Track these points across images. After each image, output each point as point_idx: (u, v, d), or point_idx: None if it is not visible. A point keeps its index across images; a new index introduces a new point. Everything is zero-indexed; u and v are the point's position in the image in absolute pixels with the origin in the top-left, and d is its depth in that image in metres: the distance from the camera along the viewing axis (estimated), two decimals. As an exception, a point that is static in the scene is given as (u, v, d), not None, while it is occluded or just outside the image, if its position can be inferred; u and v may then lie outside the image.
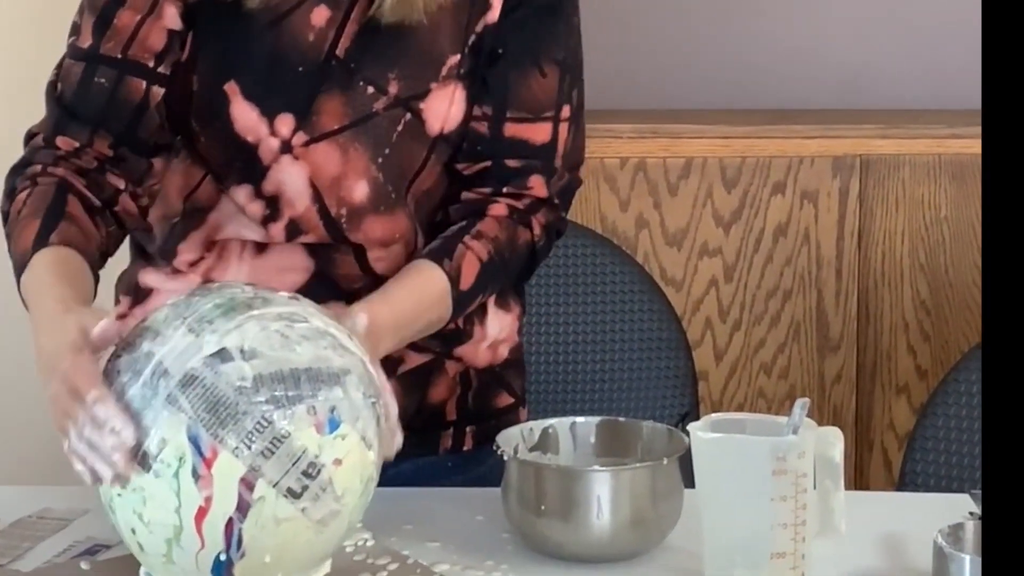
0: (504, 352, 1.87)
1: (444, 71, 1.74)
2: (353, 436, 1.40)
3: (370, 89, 1.72)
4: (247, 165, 1.74)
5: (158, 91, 1.73)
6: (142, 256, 1.83)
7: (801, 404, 1.46)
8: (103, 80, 1.72)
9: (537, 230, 1.78)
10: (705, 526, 1.49)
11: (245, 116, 1.72)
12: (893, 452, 3.05)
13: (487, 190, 1.78)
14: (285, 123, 1.72)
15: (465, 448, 1.84)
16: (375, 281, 1.75)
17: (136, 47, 1.72)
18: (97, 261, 1.67)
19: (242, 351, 1.38)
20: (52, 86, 1.76)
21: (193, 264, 1.78)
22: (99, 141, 1.73)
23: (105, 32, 1.72)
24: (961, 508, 1.63)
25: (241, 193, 1.75)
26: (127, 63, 1.72)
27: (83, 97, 1.73)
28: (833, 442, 1.50)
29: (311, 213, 1.74)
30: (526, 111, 1.77)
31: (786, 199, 3.05)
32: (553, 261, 2.28)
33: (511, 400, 1.89)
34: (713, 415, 1.51)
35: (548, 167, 1.78)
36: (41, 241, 1.62)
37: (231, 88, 1.72)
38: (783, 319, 3.07)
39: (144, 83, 1.72)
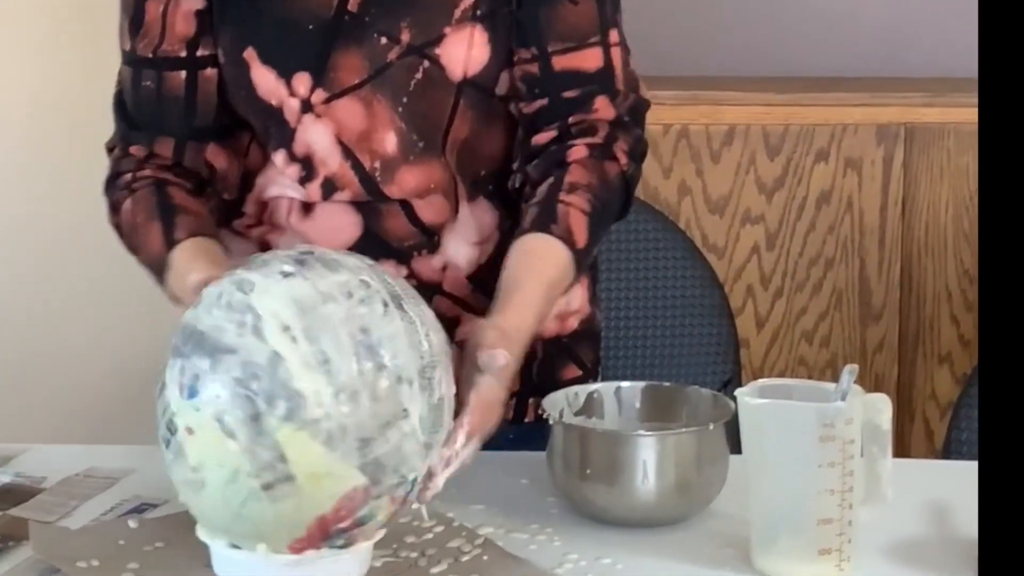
0: (574, 323, 1.86)
1: (458, 14, 1.72)
2: (207, 412, 1.35)
3: (383, 40, 1.72)
4: (278, 129, 1.75)
5: (209, 74, 1.75)
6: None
7: (849, 370, 1.46)
8: (148, 83, 1.75)
9: (623, 159, 1.73)
10: (751, 492, 1.49)
11: (264, 80, 1.73)
12: (935, 422, 3.04)
13: (555, 131, 1.74)
14: (302, 82, 1.73)
15: (527, 419, 1.83)
16: (426, 235, 1.76)
17: (166, 41, 1.74)
18: (215, 229, 1.72)
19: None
20: (117, 96, 1.80)
21: (250, 227, 1.81)
22: (160, 146, 1.76)
23: (138, 32, 1.75)
24: (1008, 477, 1.63)
25: (279, 157, 1.76)
26: (161, 60, 1.74)
27: (137, 103, 1.77)
28: (881, 409, 1.49)
29: (344, 169, 1.74)
30: (568, 40, 1.74)
31: (829, 167, 3.04)
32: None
33: (579, 372, 1.86)
34: (760, 381, 1.50)
35: (610, 88, 1.74)
36: (170, 241, 1.65)
37: (249, 55, 1.73)
38: (825, 287, 3.06)
39: (183, 74, 1.74)
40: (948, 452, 2.07)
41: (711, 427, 1.59)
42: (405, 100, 1.73)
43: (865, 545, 1.50)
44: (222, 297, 1.37)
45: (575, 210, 1.67)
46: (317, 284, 1.37)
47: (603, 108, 1.74)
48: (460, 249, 1.79)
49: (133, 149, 1.77)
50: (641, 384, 1.71)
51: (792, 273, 3.07)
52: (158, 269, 1.67)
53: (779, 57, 3.37)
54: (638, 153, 1.76)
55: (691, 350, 2.29)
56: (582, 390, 1.69)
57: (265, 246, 1.79)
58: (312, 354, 1.33)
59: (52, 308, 3.08)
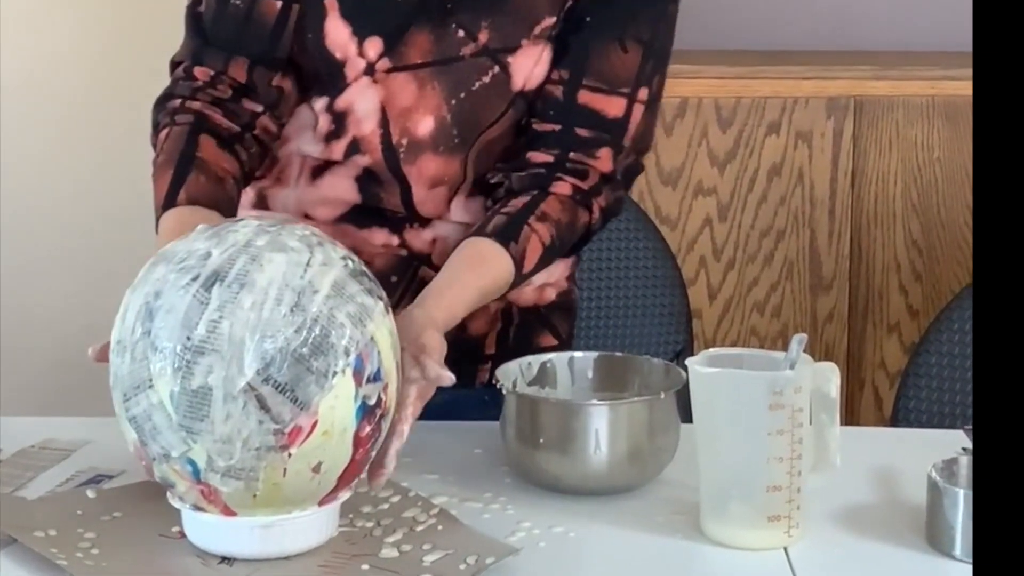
0: (551, 295, 1.90)
1: (537, 31, 1.77)
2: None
3: (460, 33, 1.75)
4: (331, 80, 1.78)
5: (297, 8, 1.77)
6: None
7: (798, 340, 1.48)
8: (239, 2, 1.77)
9: (596, 213, 1.79)
10: (701, 460, 1.51)
11: (338, 32, 1.76)
12: (884, 390, 3.07)
13: (552, 157, 1.78)
14: (374, 46, 1.76)
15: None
16: (416, 217, 1.80)
17: None
18: (234, 194, 1.73)
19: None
20: (191, 9, 1.80)
21: (257, 178, 1.84)
22: (234, 67, 1.78)
23: None
24: (954, 444, 1.65)
25: (318, 104, 1.79)
26: None
27: (219, 21, 1.78)
28: (829, 377, 1.51)
29: (374, 136, 1.78)
30: (602, 81, 1.77)
31: (780, 139, 3.06)
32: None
33: (555, 342, 1.90)
34: (710, 350, 1.52)
35: (617, 143, 1.79)
36: (170, 200, 1.68)
37: (331, 3, 1.76)
38: (776, 258, 3.09)
39: (279, 3, 1.76)
40: (896, 420, 2.09)
41: (662, 396, 1.60)
42: (463, 95, 1.77)
43: (814, 512, 1.52)
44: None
45: (536, 238, 1.73)
46: None
47: (604, 159, 1.78)
48: (448, 227, 1.83)
49: (199, 71, 1.78)
50: (594, 354, 1.73)
51: (744, 244, 3.09)
52: (156, 216, 1.70)
53: (731, 31, 3.38)
54: (612, 212, 1.81)
55: (644, 321, 2.30)
56: (535, 360, 1.71)
57: (263, 200, 1.84)
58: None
59: (6, 280, 3.07)
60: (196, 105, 1.76)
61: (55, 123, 3.18)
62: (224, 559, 1.43)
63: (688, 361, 1.50)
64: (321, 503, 1.44)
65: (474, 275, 1.69)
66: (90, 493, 1.56)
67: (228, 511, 1.41)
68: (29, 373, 3.13)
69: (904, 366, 2.18)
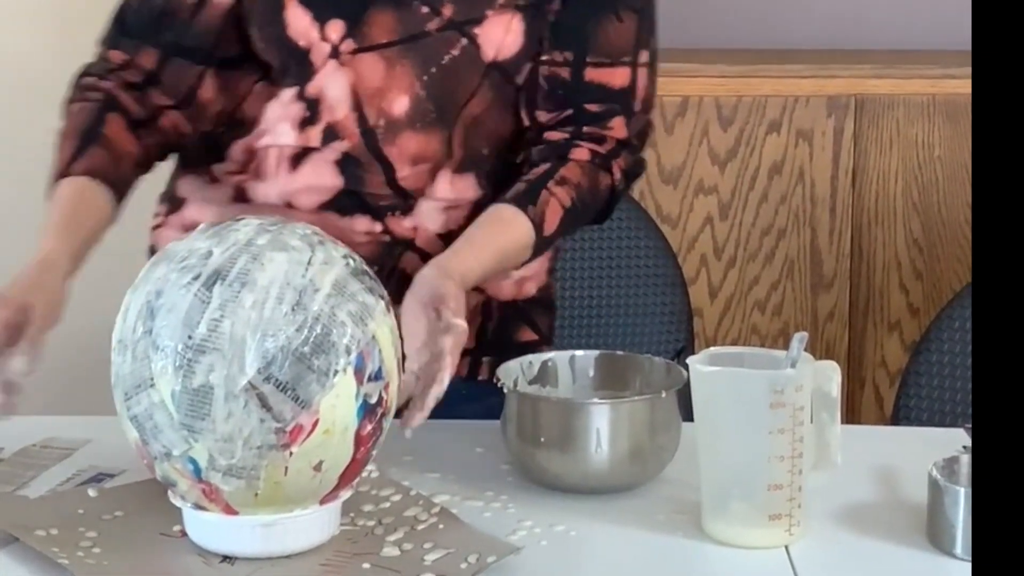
0: (531, 289, 1.91)
1: (502, 0, 1.77)
2: None
3: (424, 9, 1.76)
4: (298, 68, 1.78)
5: (219, 1, 1.78)
6: (183, 165, 1.89)
7: (799, 338, 1.48)
8: None
9: (617, 174, 1.82)
10: (702, 458, 1.51)
11: (299, 20, 1.77)
12: (885, 389, 3.07)
13: (567, 134, 1.81)
14: (336, 29, 1.76)
15: (480, 377, 1.87)
16: (403, 198, 1.80)
17: None
18: (130, 176, 1.76)
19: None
20: (122, 3, 1.83)
21: (231, 173, 1.83)
22: (144, 56, 1.80)
23: None
24: (955, 442, 1.65)
25: (287, 94, 1.79)
26: None
27: (138, 11, 1.81)
28: (830, 376, 1.51)
29: (349, 121, 1.78)
30: (605, 55, 1.81)
31: (781, 138, 3.06)
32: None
33: (535, 337, 1.92)
34: (712, 349, 1.52)
35: (628, 109, 1.83)
36: (68, 168, 1.72)
37: None
38: (777, 257, 3.09)
39: None
40: (897, 419, 2.09)
41: (663, 395, 1.60)
42: (433, 70, 1.77)
43: (815, 510, 1.52)
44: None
45: (556, 201, 1.76)
46: None
47: (618, 127, 1.82)
48: (431, 214, 1.82)
49: (114, 54, 1.81)
50: (595, 353, 1.73)
51: (744, 243, 3.09)
52: (52, 184, 1.73)
53: (732, 29, 3.38)
54: (633, 173, 1.85)
55: (645, 319, 2.30)
56: (536, 359, 1.71)
57: (241, 194, 1.83)
58: None
59: (6, 280, 3.07)
60: (108, 85, 1.79)
61: (51, 121, 3.18)
62: (225, 558, 1.43)
63: (689, 360, 1.50)
64: (322, 502, 1.44)
65: (490, 234, 1.72)
66: (91, 492, 1.56)
67: (229, 510, 1.41)
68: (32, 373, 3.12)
69: (905, 364, 2.19)
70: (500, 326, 1.89)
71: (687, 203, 3.08)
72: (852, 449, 1.57)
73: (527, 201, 1.75)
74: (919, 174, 3.06)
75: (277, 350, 1.36)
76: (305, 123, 1.79)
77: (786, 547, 1.48)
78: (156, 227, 1.89)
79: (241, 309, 1.37)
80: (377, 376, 1.41)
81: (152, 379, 1.38)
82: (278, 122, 1.80)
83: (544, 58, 1.81)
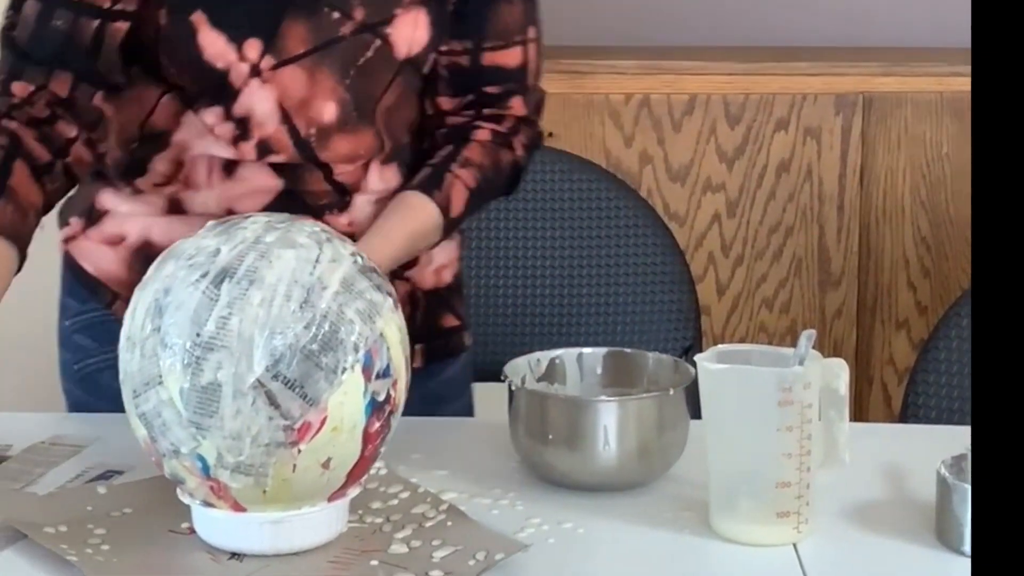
0: (448, 276, 1.95)
1: None
2: None
3: (335, 14, 1.77)
4: (218, 90, 1.77)
5: (119, 27, 1.75)
6: (99, 179, 1.85)
7: (807, 335, 1.47)
8: (60, 23, 1.74)
9: (519, 150, 1.89)
10: (710, 456, 1.51)
11: (213, 44, 1.75)
12: (892, 387, 3.07)
13: (469, 118, 1.87)
14: (253, 47, 1.75)
15: (415, 365, 1.86)
16: (341, 194, 1.82)
17: None
18: (33, 228, 1.70)
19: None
20: (6, 30, 1.78)
21: (159, 185, 1.81)
22: (57, 82, 1.75)
23: None
24: (963, 440, 1.63)
25: (211, 115, 1.78)
26: (78, 4, 1.74)
27: (40, 38, 1.75)
28: (838, 373, 1.51)
29: (280, 134, 1.78)
30: (499, 39, 1.86)
31: (789, 136, 3.06)
32: (558, 196, 2.30)
33: (456, 322, 1.96)
34: (719, 346, 1.52)
35: (524, 87, 1.89)
36: None
37: (198, 18, 1.74)
38: (785, 254, 3.09)
39: (99, 22, 1.74)
40: (905, 416, 2.09)
41: (671, 392, 1.61)
42: (352, 73, 1.79)
43: (823, 508, 1.52)
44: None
45: (460, 183, 1.82)
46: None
47: (517, 106, 1.89)
48: (365, 208, 1.84)
49: (17, 86, 1.75)
50: (603, 350, 1.73)
51: (752, 240, 3.09)
52: None
53: (740, 27, 3.38)
54: (534, 146, 1.92)
55: (653, 317, 2.30)
56: (544, 356, 1.71)
57: (176, 204, 1.81)
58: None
59: (17, 277, 3.07)
60: (12, 125, 1.72)
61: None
62: (234, 555, 1.44)
63: (697, 357, 1.50)
64: (330, 499, 1.44)
65: (399, 221, 1.77)
66: (100, 489, 1.56)
67: (238, 507, 1.42)
68: (38, 370, 3.12)
69: (913, 362, 2.18)
70: (427, 314, 1.92)
71: (695, 201, 3.08)
72: (860, 447, 1.56)
73: (432, 186, 1.80)
74: (927, 172, 3.06)
75: (285, 348, 1.37)
76: (237, 139, 1.78)
77: (794, 544, 1.48)
78: (70, 239, 1.86)
79: (249, 307, 1.37)
80: (385, 373, 1.41)
81: (160, 376, 1.38)
82: (203, 135, 1.78)
83: (443, 49, 1.85)
